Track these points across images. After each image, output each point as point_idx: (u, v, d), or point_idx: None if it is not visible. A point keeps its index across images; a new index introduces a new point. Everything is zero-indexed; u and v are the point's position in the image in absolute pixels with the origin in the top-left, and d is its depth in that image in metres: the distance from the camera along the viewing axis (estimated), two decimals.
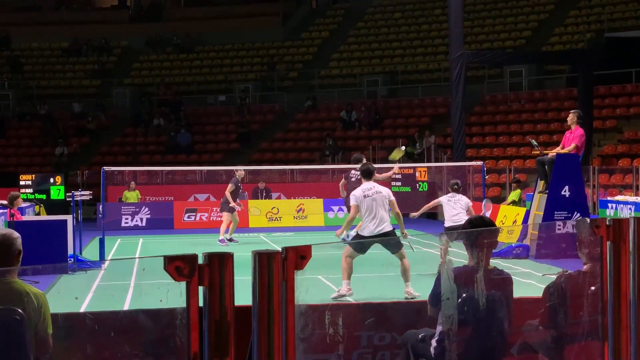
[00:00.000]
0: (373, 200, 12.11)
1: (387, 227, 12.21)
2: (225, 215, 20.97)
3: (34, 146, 39.76)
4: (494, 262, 5.46)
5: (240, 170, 21.83)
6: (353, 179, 19.14)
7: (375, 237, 12.14)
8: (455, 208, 15.11)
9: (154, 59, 45.45)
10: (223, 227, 21.01)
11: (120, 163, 34.62)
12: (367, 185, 12.32)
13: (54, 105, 41.23)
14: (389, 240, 12.13)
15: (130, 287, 13.01)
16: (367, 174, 12.44)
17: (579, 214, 17.39)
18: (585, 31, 36.18)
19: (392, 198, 12.40)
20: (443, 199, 15.62)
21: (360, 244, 12.08)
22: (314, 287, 12.85)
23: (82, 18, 45.94)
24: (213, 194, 29.13)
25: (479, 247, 5.20)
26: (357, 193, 12.28)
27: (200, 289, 2.76)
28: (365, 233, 12.35)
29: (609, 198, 22.51)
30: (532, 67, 35.77)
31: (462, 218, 14.51)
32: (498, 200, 27.39)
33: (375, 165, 15.00)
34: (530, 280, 12.59)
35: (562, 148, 17.92)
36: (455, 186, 15.48)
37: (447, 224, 15.23)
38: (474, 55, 27.15)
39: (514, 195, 24.38)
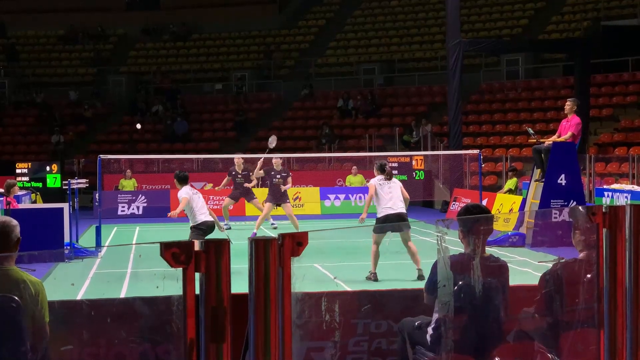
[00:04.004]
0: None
1: None
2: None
3: (30, 134, 39.70)
4: (490, 250, 5.46)
5: (237, 157, 21.64)
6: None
7: None
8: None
9: (150, 47, 45.37)
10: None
11: (116, 151, 34.55)
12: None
13: (50, 93, 41.18)
14: None
15: (127, 274, 13.04)
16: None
17: (575, 203, 17.40)
18: (582, 19, 36.15)
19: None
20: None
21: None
22: (311, 274, 12.86)
23: (78, 5, 45.77)
24: (209, 182, 29.11)
25: (475, 235, 5.20)
26: None
27: (197, 275, 2.76)
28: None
29: (605, 186, 22.53)
30: (528, 56, 35.75)
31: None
32: (494, 188, 27.43)
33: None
34: (526, 268, 12.61)
35: (559, 136, 17.93)
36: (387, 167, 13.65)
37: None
38: (470, 44, 27.10)
39: (510, 183, 24.41)
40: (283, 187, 20.12)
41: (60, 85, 42.09)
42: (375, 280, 12.89)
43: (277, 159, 20.37)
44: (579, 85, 26.77)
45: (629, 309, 3.56)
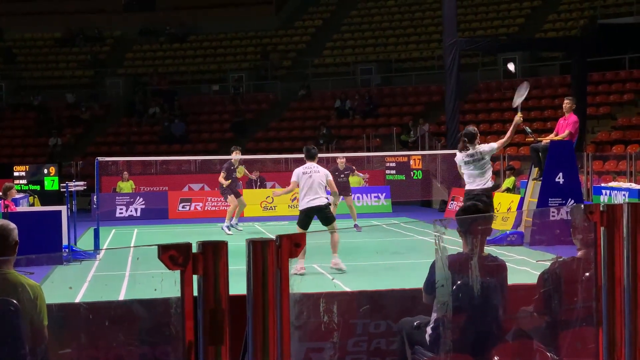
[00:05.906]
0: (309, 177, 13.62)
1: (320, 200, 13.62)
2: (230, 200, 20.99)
3: (27, 137, 39.68)
4: (489, 250, 5.46)
5: (236, 151, 21.41)
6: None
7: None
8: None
9: (147, 49, 45.34)
10: (229, 213, 21.17)
11: (114, 153, 34.55)
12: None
13: (47, 96, 41.15)
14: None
15: (125, 276, 13.03)
16: None
17: (573, 201, 17.41)
18: (579, 18, 36.17)
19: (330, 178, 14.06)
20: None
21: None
22: (309, 275, 12.88)
23: (75, 7, 45.72)
24: (207, 184, 29.09)
25: (473, 234, 5.20)
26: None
27: (195, 277, 2.76)
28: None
29: (602, 184, 22.54)
30: (525, 54, 35.77)
31: None
32: (492, 187, 27.39)
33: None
34: (524, 267, 12.61)
35: (556, 135, 17.94)
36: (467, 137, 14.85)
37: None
38: (467, 43, 27.10)
39: (508, 182, 24.41)
40: (365, 181, 24.47)
41: (58, 87, 42.04)
42: None
43: (341, 158, 21.98)
44: (576, 83, 26.78)
45: (627, 307, 3.56)
